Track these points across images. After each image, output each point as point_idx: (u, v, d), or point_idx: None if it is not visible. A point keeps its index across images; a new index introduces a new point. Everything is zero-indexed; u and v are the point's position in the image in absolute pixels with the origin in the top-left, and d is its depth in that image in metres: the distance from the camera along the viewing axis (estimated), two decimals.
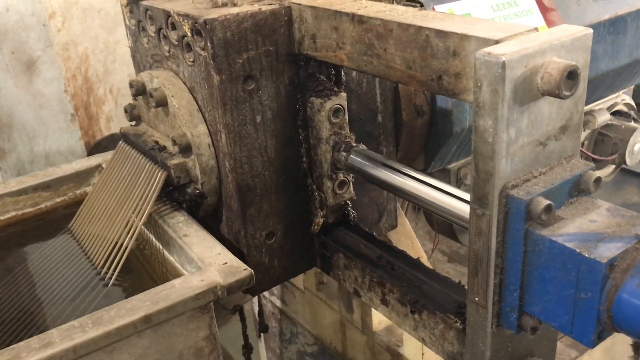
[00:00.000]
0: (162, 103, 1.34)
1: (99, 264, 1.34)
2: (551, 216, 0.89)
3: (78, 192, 1.62)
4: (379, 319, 1.97)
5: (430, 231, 2.25)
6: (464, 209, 1.06)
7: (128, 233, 1.32)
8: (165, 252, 1.34)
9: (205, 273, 1.13)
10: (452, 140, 1.60)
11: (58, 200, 1.59)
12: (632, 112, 2.51)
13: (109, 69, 3.87)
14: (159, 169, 1.35)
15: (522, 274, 0.92)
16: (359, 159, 1.29)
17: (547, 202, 0.87)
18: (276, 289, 2.47)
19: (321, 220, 1.44)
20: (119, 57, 3.89)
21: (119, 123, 4.03)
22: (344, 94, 1.33)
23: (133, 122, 1.55)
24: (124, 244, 1.30)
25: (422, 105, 1.54)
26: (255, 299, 2.51)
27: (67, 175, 1.60)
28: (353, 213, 1.49)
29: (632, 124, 2.43)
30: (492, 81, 0.82)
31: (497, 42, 0.87)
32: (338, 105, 1.32)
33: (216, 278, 1.11)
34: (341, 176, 1.39)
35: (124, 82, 3.97)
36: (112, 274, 1.28)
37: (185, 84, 1.34)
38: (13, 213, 1.54)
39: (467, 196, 1.09)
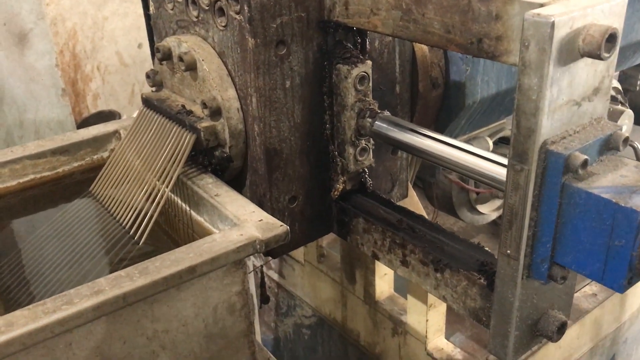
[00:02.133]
0: (192, 67, 1.36)
1: (126, 224, 1.36)
2: (585, 171, 0.95)
3: (95, 157, 1.63)
4: (381, 289, 2.03)
5: (427, 206, 2.31)
6: (493, 169, 1.12)
7: (157, 194, 1.34)
8: (193, 213, 1.37)
9: (243, 228, 1.17)
10: (464, 113, 1.66)
11: (75, 165, 1.60)
12: (619, 96, 2.62)
13: (97, 45, 3.84)
14: (187, 132, 1.38)
15: (555, 226, 0.98)
16: (385, 125, 1.34)
17: (584, 157, 0.93)
18: (274, 263, 2.51)
19: (341, 187, 1.49)
20: (107, 33, 3.86)
21: (105, 101, 4.00)
22: (369, 62, 1.37)
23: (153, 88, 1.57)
24: (154, 204, 1.32)
25: (437, 78, 1.59)
26: (255, 274, 2.55)
27: (85, 140, 1.61)
28: (369, 181, 1.54)
29: (619, 107, 2.54)
30: (540, 41, 0.88)
31: (541, 5, 0.93)
32: (364, 73, 1.36)
33: (255, 233, 1.15)
34: (363, 143, 1.43)
35: (112, 59, 3.94)
36: (143, 233, 1.30)
37: (214, 48, 1.37)
38: (32, 176, 1.55)
39: (497, 157, 1.15)
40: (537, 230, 1.01)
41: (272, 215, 1.40)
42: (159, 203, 1.32)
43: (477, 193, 2.19)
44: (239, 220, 1.21)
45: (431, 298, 1.82)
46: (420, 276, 1.35)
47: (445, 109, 1.65)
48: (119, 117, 3.70)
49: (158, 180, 1.36)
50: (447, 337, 1.94)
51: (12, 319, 0.95)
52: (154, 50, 1.97)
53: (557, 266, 1.02)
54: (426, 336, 1.88)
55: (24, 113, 3.13)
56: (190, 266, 1.07)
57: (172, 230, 1.47)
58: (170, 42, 1.43)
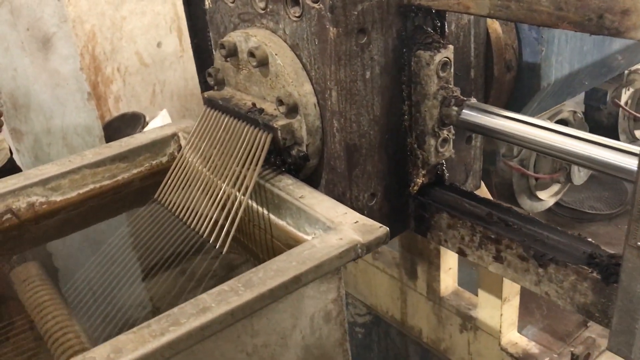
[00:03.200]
0: (264, 62, 1.28)
1: (203, 233, 1.29)
2: None
3: (154, 162, 1.55)
4: (445, 284, 1.96)
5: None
6: (619, 158, 1.03)
7: (234, 201, 1.26)
8: (273, 217, 1.29)
9: (341, 232, 1.09)
10: (537, 96, 1.58)
11: (135, 171, 1.53)
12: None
13: (116, 46, 3.76)
14: (261, 131, 1.30)
15: None
16: (474, 113, 1.26)
17: None
18: None
19: (420, 181, 1.41)
20: (126, 34, 3.78)
21: (127, 103, 3.92)
22: (451, 47, 1.29)
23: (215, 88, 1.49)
24: (233, 211, 1.24)
25: (511, 60, 1.51)
26: None
27: (143, 145, 1.53)
28: (447, 173, 1.46)
29: None
30: None
31: None
32: (446, 59, 1.28)
33: (355, 236, 1.07)
34: (445, 133, 1.35)
35: (132, 59, 3.86)
36: (225, 242, 1.22)
37: (286, 41, 1.29)
38: (91, 186, 1.47)
39: (610, 142, 1.07)
40: None
41: None
42: (238, 210, 1.24)
43: (537, 179, 2.12)
44: (333, 223, 1.13)
45: (505, 291, 1.75)
46: (517, 272, 1.27)
47: (519, 93, 1.57)
48: (144, 119, 3.63)
49: (234, 187, 1.28)
50: (519, 331, 1.87)
51: (119, 344, 0.87)
52: (195, 45, 1.89)
53: None
54: (500, 331, 1.80)
55: (50, 119, 3.06)
56: (296, 276, 0.99)
57: (243, 236, 1.40)
58: (235, 37, 1.35)
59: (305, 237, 1.21)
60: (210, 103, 1.44)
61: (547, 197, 2.20)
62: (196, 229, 1.30)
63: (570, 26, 0.99)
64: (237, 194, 1.26)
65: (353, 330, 2.46)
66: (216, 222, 1.27)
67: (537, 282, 1.24)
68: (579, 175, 2.12)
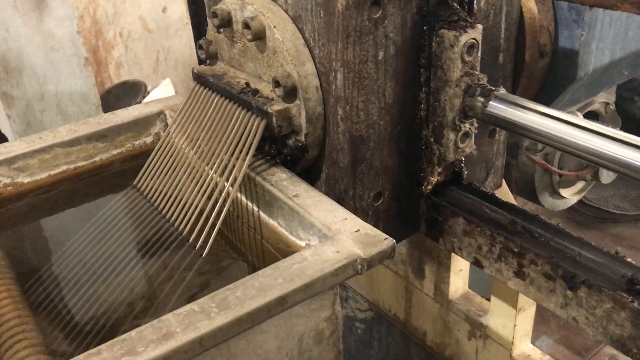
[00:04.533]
0: (260, 35, 1.10)
1: (182, 228, 1.12)
2: None
3: (137, 143, 1.39)
4: (455, 286, 1.79)
5: None
6: None
7: (220, 194, 1.10)
8: (263, 215, 1.13)
9: (338, 243, 0.92)
10: (572, 87, 1.39)
11: (114, 152, 1.36)
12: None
13: (119, 10, 3.56)
14: (254, 116, 1.12)
15: None
16: (503, 106, 1.07)
17: None
18: None
19: (435, 179, 1.24)
20: None
21: (128, 69, 3.74)
22: (480, 26, 1.10)
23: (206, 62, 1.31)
24: (217, 207, 1.08)
25: (546, 45, 1.32)
26: None
27: (125, 124, 1.36)
28: (465, 171, 1.29)
29: None
30: None
31: None
32: (473, 40, 1.10)
33: (354, 249, 0.91)
34: (466, 126, 1.17)
35: (135, 24, 3.67)
36: (206, 242, 1.06)
37: (286, 12, 1.11)
38: (64, 167, 1.31)
39: None
40: None
41: (354, 215, 1.17)
42: (223, 206, 1.08)
43: (560, 175, 1.93)
44: (330, 230, 0.96)
45: (521, 301, 1.58)
46: (541, 292, 1.10)
47: (552, 82, 1.38)
48: (145, 88, 3.45)
49: (220, 176, 1.11)
50: (533, 341, 1.71)
51: None
52: (192, 12, 1.71)
53: None
54: (512, 342, 1.64)
55: (44, 85, 2.89)
56: (280, 296, 0.83)
57: (230, 232, 1.24)
58: (230, 4, 1.16)
59: (298, 242, 1.04)
60: (199, 79, 1.27)
61: (570, 195, 2.02)
62: (175, 224, 1.14)
63: (634, 8, 0.81)
64: (223, 190, 1.09)
65: (353, 324, 2.31)
66: (198, 218, 1.10)
67: (563, 305, 1.07)
68: (608, 174, 1.93)
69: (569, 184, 1.98)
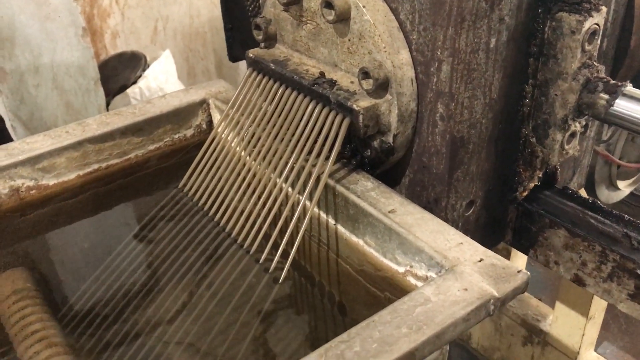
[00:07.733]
0: (345, 16, 0.91)
1: (248, 245, 0.95)
2: None
3: (176, 137, 1.20)
4: None
5: None
6: None
7: (292, 208, 0.92)
8: (341, 229, 0.95)
9: (463, 277, 0.76)
10: None
11: (151, 148, 1.18)
12: None
13: None
14: (334, 113, 0.94)
15: None
16: (634, 106, 0.91)
17: None
18: None
19: (533, 184, 1.08)
20: None
21: (125, 40, 3.49)
22: (604, 9, 0.93)
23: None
24: (291, 226, 0.91)
25: None
26: None
27: (164, 114, 1.17)
28: (559, 173, 1.13)
29: None
30: None
31: None
32: (596, 26, 0.92)
33: (484, 286, 0.74)
34: (576, 126, 1.01)
35: None
36: (283, 266, 0.89)
37: None
38: (95, 166, 1.12)
39: None
40: None
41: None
42: (298, 226, 0.91)
43: (618, 166, 1.79)
44: (446, 259, 0.79)
45: (593, 309, 1.45)
46: None
47: None
48: (145, 60, 3.22)
49: (292, 187, 0.94)
50: (595, 349, 1.59)
51: None
52: None
53: None
54: (578, 352, 1.51)
55: (38, 57, 2.65)
56: (409, 352, 0.67)
57: (291, 247, 1.06)
58: None
59: (394, 266, 0.87)
60: (256, 65, 1.08)
61: (625, 187, 1.88)
62: (239, 240, 0.97)
63: None
64: (300, 198, 0.92)
65: None
66: (267, 235, 0.93)
67: None
68: None
69: (627, 175, 1.84)
